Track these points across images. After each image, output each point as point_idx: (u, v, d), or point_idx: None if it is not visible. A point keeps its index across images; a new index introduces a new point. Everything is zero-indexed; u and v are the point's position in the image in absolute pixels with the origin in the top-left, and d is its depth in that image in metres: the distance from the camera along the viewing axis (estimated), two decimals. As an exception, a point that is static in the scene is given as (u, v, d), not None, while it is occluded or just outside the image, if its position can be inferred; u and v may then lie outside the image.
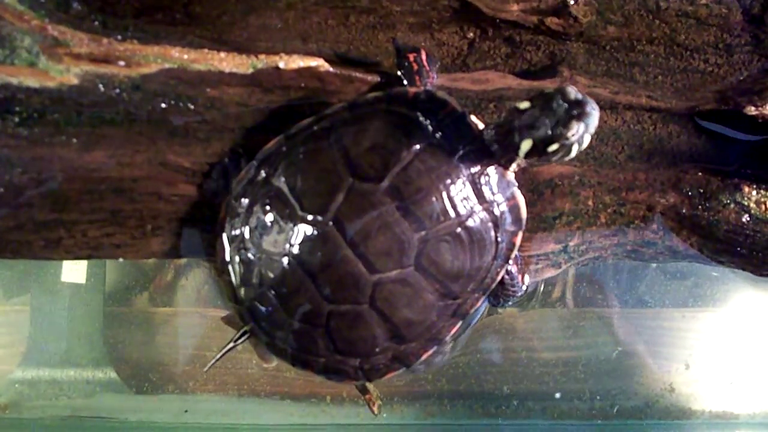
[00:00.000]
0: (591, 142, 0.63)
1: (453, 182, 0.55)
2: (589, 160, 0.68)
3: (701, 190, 0.68)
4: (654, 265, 0.83)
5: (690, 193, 0.68)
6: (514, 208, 0.57)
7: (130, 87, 0.61)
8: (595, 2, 0.65)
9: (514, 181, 0.57)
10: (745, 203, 0.68)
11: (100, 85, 0.61)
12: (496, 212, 0.56)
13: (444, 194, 0.55)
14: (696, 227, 0.69)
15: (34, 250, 0.64)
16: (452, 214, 0.55)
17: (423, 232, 0.55)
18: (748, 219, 0.68)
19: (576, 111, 0.52)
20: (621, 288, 0.84)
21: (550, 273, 0.69)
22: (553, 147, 0.53)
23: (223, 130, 0.63)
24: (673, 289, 0.84)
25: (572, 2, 0.64)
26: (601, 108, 0.67)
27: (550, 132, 0.52)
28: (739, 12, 0.67)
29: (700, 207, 0.68)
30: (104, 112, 0.62)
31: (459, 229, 0.55)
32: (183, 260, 0.82)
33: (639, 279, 0.84)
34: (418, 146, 0.55)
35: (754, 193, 0.68)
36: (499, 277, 0.60)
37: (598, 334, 0.83)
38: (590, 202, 0.67)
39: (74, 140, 0.62)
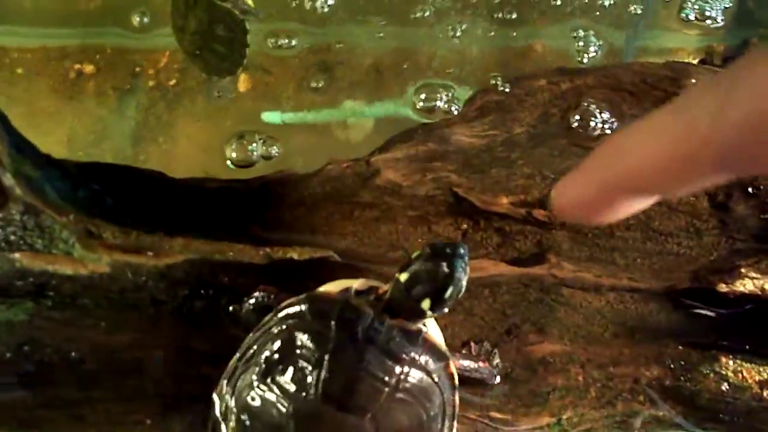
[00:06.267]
0: (579, 321, 0.69)
1: (369, 360, 0.56)
2: (578, 339, 0.72)
3: (682, 363, 0.73)
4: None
5: (672, 366, 0.72)
6: (431, 349, 0.59)
7: (156, 275, 0.67)
8: (576, 194, 0.72)
9: (417, 326, 0.58)
10: (724, 372, 0.72)
11: (129, 273, 0.67)
12: (421, 361, 0.58)
13: (368, 374, 0.56)
14: (680, 397, 0.73)
15: (58, 426, 0.67)
16: (383, 386, 0.56)
17: (369, 414, 0.56)
18: (727, 387, 0.72)
19: (448, 251, 0.55)
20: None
21: (545, 444, 0.73)
22: (450, 291, 0.55)
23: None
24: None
25: (555, 195, 0.72)
26: (586, 290, 0.72)
27: (439, 280, 0.55)
28: (705, 199, 0.74)
29: (682, 378, 0.72)
30: (131, 298, 0.68)
31: (398, 394, 0.56)
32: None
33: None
34: (322, 349, 0.56)
35: (731, 363, 0.72)
36: (456, 402, 0.61)
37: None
38: (580, 378, 0.71)
39: (102, 323, 0.67)
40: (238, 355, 0.60)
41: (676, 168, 0.29)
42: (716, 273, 0.73)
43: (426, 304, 0.56)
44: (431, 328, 0.61)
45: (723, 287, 0.72)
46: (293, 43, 0.96)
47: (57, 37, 0.99)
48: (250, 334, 0.61)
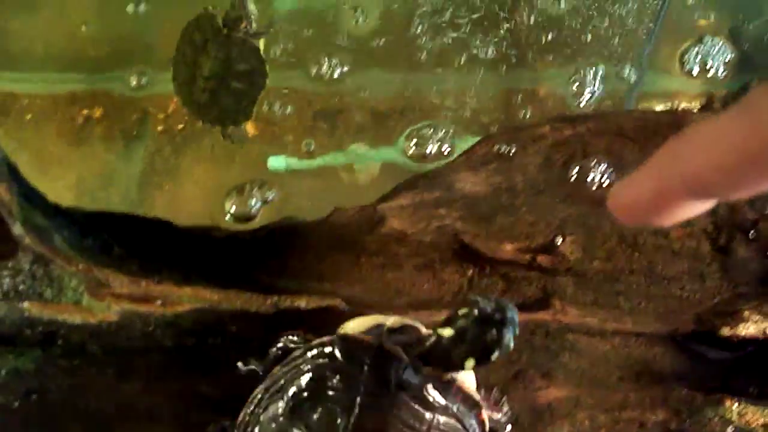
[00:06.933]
0: (584, 366, 0.69)
1: (400, 407, 0.55)
2: (584, 384, 0.73)
3: (687, 406, 0.73)
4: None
5: (677, 409, 0.72)
6: (464, 398, 0.58)
7: (164, 324, 0.67)
8: (580, 240, 0.73)
9: (449, 376, 0.58)
10: (728, 416, 0.73)
11: (137, 322, 0.67)
12: (454, 410, 0.57)
13: (399, 420, 0.55)
14: (686, 440, 0.73)
15: (66, 475, 0.68)
16: None
17: None
18: (732, 430, 0.72)
19: (498, 316, 0.53)
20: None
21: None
22: (496, 354, 0.54)
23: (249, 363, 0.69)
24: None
25: (560, 241, 0.72)
26: (591, 335, 0.73)
27: (487, 344, 0.53)
28: (707, 243, 0.75)
29: (687, 421, 0.72)
30: (139, 346, 0.68)
31: None
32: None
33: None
34: (354, 393, 0.55)
35: (735, 406, 0.73)
36: None
37: None
38: (587, 423, 0.71)
39: (110, 372, 0.67)
40: (263, 386, 0.59)
41: (742, 168, 0.29)
42: (719, 316, 0.73)
43: (470, 363, 0.55)
44: (465, 373, 0.59)
45: (726, 330, 0.72)
46: (288, 110, 0.98)
47: (66, 82, 1.01)
48: (278, 367, 0.60)
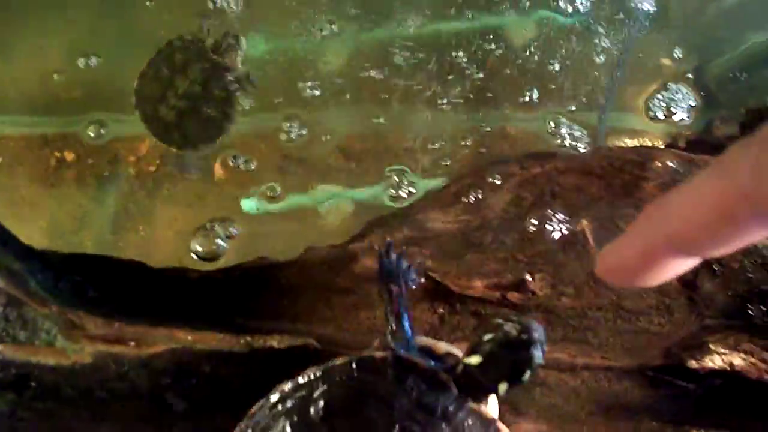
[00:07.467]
0: (555, 401, 0.70)
1: None
2: (555, 419, 0.73)
3: (657, 439, 0.74)
4: None
5: (647, 442, 0.74)
6: None
7: (138, 365, 0.68)
8: (549, 277, 0.74)
9: (492, 414, 0.58)
10: (696, 448, 0.74)
11: (111, 364, 0.68)
12: None
13: None
14: (656, 473, 0.74)
15: None
16: None
17: None
18: (700, 461, 0.74)
19: (525, 337, 0.53)
20: None
21: None
22: (527, 375, 0.54)
23: (225, 406, 0.69)
24: None
25: (529, 278, 0.74)
26: (562, 370, 0.74)
27: (518, 366, 0.54)
28: (674, 278, 0.76)
29: (657, 454, 0.74)
30: (113, 387, 0.68)
31: None
32: None
33: None
34: (398, 412, 0.56)
35: (703, 438, 0.74)
36: None
37: None
38: (558, 457, 0.73)
39: (85, 413, 0.68)
40: (291, 385, 0.57)
41: (719, 224, 0.30)
42: (687, 349, 0.75)
43: (503, 387, 0.55)
44: (491, 400, 0.59)
45: (693, 363, 0.73)
46: (252, 166, 1.00)
47: (38, 125, 1.01)
48: (312, 367, 0.58)
